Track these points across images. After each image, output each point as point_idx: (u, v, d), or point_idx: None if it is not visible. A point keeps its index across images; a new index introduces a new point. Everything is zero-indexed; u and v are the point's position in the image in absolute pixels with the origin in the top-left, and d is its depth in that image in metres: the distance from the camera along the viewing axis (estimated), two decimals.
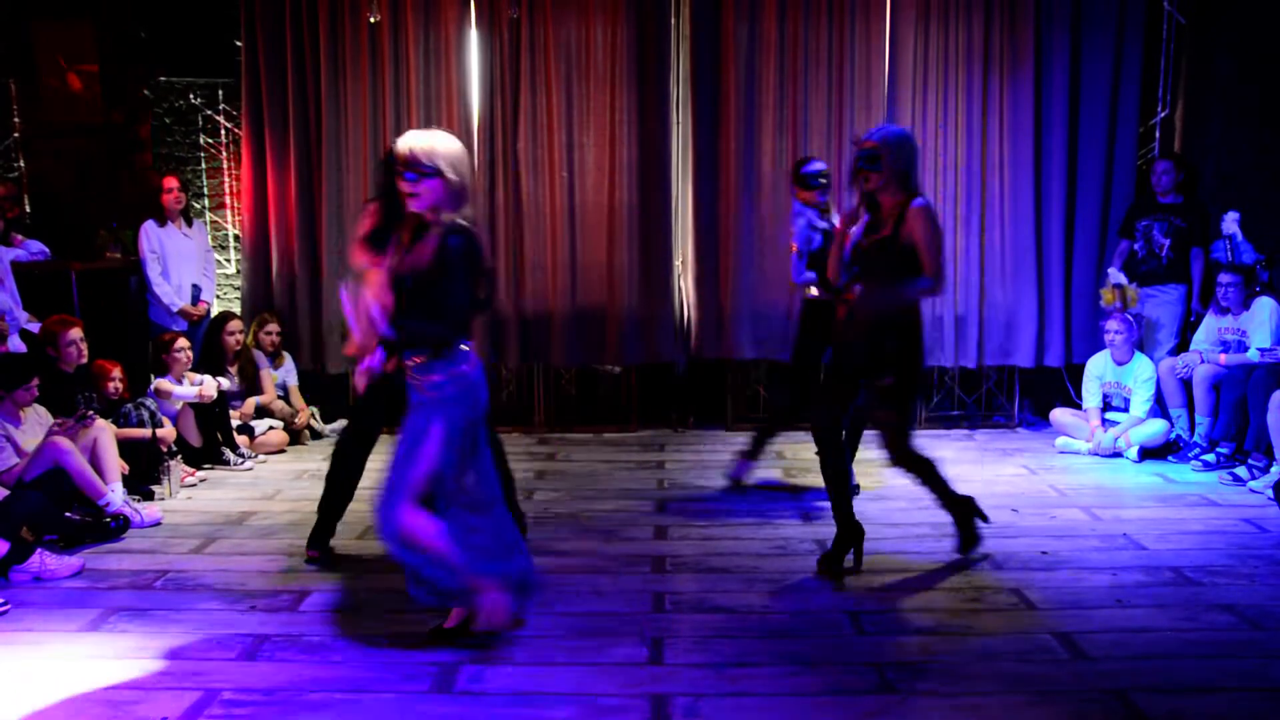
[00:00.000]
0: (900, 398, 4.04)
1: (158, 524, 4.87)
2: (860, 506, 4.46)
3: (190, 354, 6.00)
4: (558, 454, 6.40)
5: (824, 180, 5.07)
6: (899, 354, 3.99)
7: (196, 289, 6.58)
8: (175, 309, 6.50)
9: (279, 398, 6.61)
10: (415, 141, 3.27)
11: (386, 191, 3.69)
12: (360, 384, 3.44)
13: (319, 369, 6.95)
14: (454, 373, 3.31)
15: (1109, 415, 6.27)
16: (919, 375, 4.11)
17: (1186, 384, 6.04)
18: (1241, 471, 5.49)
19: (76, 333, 5.31)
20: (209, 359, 6.28)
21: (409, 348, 3.29)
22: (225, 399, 6.04)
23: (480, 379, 3.40)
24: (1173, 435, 6.11)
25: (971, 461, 6.12)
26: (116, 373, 5.54)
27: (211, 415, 5.92)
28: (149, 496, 5.20)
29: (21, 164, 7.04)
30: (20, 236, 6.38)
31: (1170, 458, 6.02)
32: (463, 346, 3.34)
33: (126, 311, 6.56)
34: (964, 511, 4.31)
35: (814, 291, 5.05)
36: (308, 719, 3.02)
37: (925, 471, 4.20)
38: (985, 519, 4.39)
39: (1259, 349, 5.70)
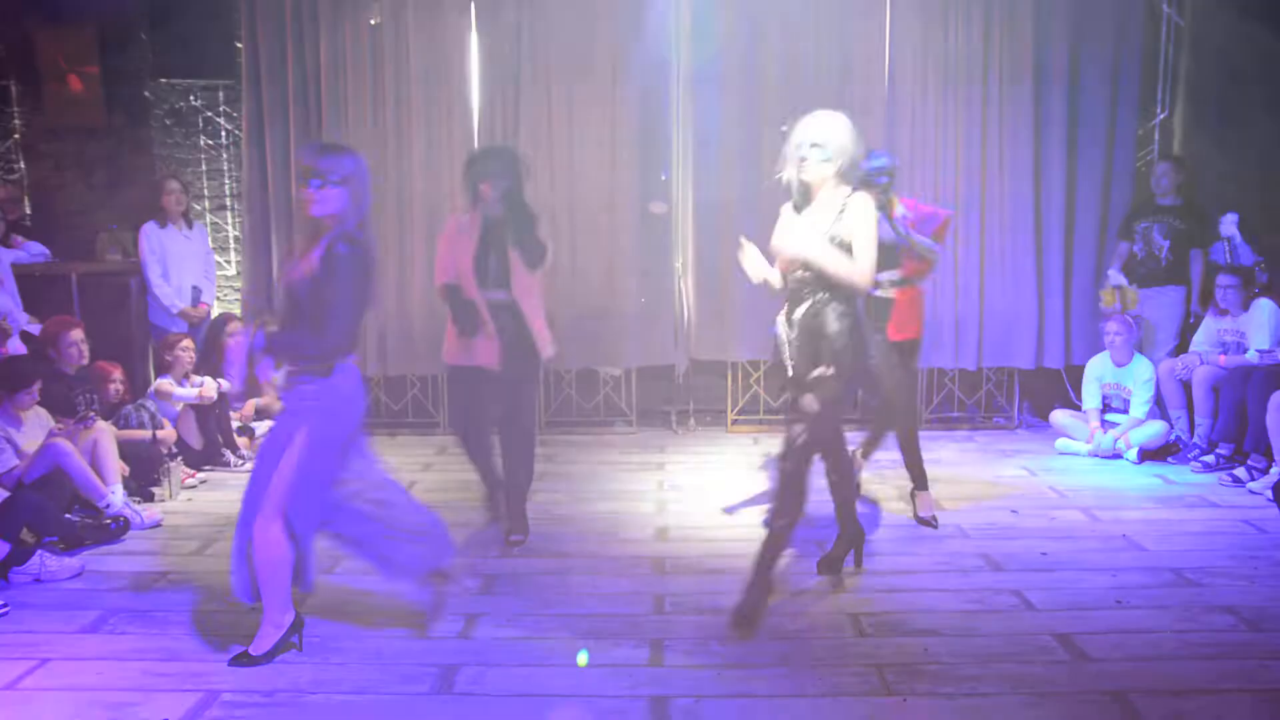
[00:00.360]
0: (832, 389, 3.75)
1: (158, 525, 4.88)
2: (860, 508, 4.46)
3: (194, 355, 6.00)
4: (558, 455, 6.40)
5: (887, 177, 4.54)
6: (840, 349, 3.73)
7: (197, 291, 6.58)
8: (176, 311, 6.49)
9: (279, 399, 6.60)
10: (318, 151, 3.27)
11: None
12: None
13: None
14: (326, 384, 3.26)
15: (1109, 417, 6.27)
16: (854, 372, 3.85)
17: (1186, 385, 6.04)
18: (1241, 473, 5.49)
19: (77, 334, 5.32)
20: (209, 361, 6.28)
21: (285, 357, 3.28)
22: (225, 401, 6.05)
23: (356, 391, 3.35)
24: (1172, 437, 6.11)
25: (972, 463, 6.12)
26: (117, 374, 5.55)
27: (212, 417, 5.92)
28: (149, 498, 5.21)
29: (22, 166, 7.05)
30: (21, 238, 6.39)
31: (1170, 459, 6.02)
32: (340, 359, 3.29)
33: (127, 313, 6.56)
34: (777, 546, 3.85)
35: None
36: None
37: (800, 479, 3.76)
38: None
39: (1258, 350, 5.71)
